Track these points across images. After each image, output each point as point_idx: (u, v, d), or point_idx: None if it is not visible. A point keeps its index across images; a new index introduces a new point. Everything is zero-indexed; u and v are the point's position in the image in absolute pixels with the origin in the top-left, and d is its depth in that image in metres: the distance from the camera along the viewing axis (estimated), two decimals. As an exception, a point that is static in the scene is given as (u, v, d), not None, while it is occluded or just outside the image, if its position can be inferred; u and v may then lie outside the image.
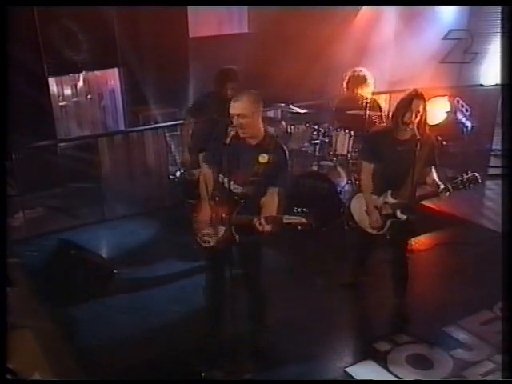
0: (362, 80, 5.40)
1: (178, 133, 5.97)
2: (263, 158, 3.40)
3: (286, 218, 3.32)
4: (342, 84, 5.54)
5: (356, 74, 5.45)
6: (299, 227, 3.35)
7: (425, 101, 3.84)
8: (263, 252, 3.74)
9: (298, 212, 3.34)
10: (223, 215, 3.47)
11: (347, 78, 5.50)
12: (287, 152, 3.58)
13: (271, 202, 3.45)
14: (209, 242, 3.60)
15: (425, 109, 3.84)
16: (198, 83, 6.60)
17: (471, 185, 3.76)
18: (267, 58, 6.57)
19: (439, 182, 3.85)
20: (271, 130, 5.64)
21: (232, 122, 3.37)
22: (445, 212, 5.87)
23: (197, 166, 4.85)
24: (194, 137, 5.20)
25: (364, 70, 5.46)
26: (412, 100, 3.80)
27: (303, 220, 3.31)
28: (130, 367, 3.78)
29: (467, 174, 3.77)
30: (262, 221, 3.30)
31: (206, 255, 3.80)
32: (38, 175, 5.90)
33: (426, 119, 3.88)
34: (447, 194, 3.78)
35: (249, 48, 6.61)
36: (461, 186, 3.77)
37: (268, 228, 3.32)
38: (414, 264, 4.34)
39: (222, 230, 3.54)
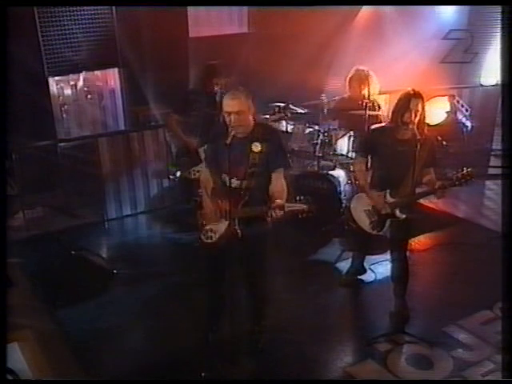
0: (366, 79, 5.39)
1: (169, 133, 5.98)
2: (256, 146, 3.43)
3: (288, 206, 3.33)
4: (345, 83, 5.54)
5: (359, 72, 5.44)
6: (300, 215, 3.35)
7: (423, 99, 3.83)
8: (267, 250, 3.74)
9: (299, 200, 3.35)
10: (226, 209, 3.47)
11: (350, 76, 5.49)
12: (278, 132, 3.61)
13: (280, 186, 3.49)
14: (211, 238, 3.60)
15: (423, 107, 3.83)
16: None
17: (467, 181, 3.76)
18: (267, 58, 6.56)
19: (436, 181, 3.85)
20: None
21: (228, 119, 3.39)
22: (445, 212, 5.87)
23: (198, 162, 4.88)
24: (186, 135, 5.22)
25: (367, 69, 5.45)
26: (410, 99, 3.79)
27: (304, 207, 3.32)
28: (130, 367, 3.78)
29: (462, 171, 3.77)
30: (276, 211, 3.30)
31: (207, 252, 3.78)
32: (38, 175, 5.89)
33: (424, 118, 3.87)
34: (443, 190, 3.78)
35: (249, 48, 6.60)
36: (457, 183, 3.76)
37: (280, 214, 3.32)
38: (413, 264, 4.34)
39: (225, 224, 3.53)
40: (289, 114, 5.76)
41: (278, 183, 3.50)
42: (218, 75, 5.05)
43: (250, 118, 3.49)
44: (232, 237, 3.51)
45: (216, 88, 5.05)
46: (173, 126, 5.38)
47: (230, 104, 3.40)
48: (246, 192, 3.49)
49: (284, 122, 5.78)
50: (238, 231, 3.49)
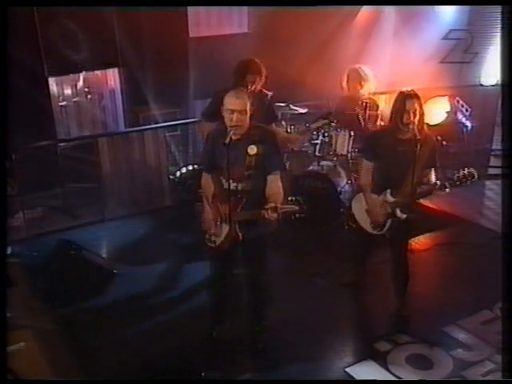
0: (362, 76, 5.38)
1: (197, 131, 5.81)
2: (252, 149, 3.42)
3: (280, 208, 3.33)
4: (342, 82, 5.53)
5: (355, 70, 5.43)
6: (293, 216, 3.38)
7: (419, 98, 3.82)
8: (267, 252, 3.75)
9: (291, 201, 3.37)
10: (226, 213, 3.47)
11: (347, 75, 5.48)
12: (275, 135, 3.59)
13: (276, 189, 3.48)
14: (215, 242, 3.61)
15: (421, 106, 3.82)
16: (198, 83, 6.61)
17: (468, 181, 3.77)
18: (267, 58, 6.56)
19: (437, 182, 3.86)
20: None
21: (230, 117, 3.37)
22: (445, 212, 5.87)
23: None
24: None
25: (363, 67, 5.45)
26: (405, 100, 3.79)
27: (295, 208, 3.35)
28: (130, 367, 3.78)
29: (464, 171, 3.78)
30: (269, 212, 3.29)
31: (211, 255, 3.79)
32: (38, 175, 5.89)
33: (423, 116, 3.86)
34: (445, 190, 3.79)
35: (249, 48, 6.60)
36: (457, 183, 3.77)
37: (274, 216, 3.31)
38: (414, 264, 4.34)
39: (226, 228, 3.54)
40: (334, 121, 5.47)
41: (274, 186, 3.49)
42: (252, 72, 4.52)
43: (247, 119, 3.46)
44: (233, 240, 3.53)
45: (249, 87, 4.51)
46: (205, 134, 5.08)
47: (235, 102, 3.37)
48: (244, 195, 3.49)
49: (284, 122, 5.77)
50: (239, 234, 3.51)
